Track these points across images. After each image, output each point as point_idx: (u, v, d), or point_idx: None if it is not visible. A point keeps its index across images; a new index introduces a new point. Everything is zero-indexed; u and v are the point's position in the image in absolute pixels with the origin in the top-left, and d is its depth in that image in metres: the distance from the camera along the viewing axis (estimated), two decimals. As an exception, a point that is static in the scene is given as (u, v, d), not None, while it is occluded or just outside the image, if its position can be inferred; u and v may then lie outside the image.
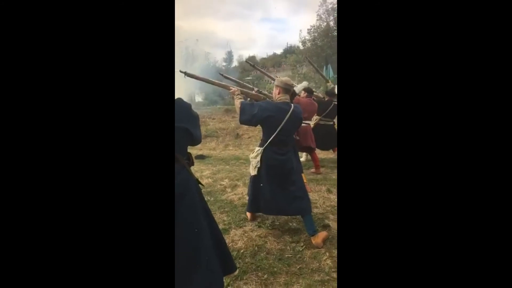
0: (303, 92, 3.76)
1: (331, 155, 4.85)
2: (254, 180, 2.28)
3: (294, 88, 2.33)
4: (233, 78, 3.00)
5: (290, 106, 2.14)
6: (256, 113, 2.09)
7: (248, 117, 2.11)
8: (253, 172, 2.25)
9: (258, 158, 2.22)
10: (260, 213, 2.59)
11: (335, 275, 1.77)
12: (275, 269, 1.84)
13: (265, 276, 1.78)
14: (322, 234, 2.16)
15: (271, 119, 2.10)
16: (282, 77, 2.36)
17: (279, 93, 2.21)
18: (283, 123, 2.09)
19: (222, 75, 3.05)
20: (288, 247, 2.11)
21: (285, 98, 2.18)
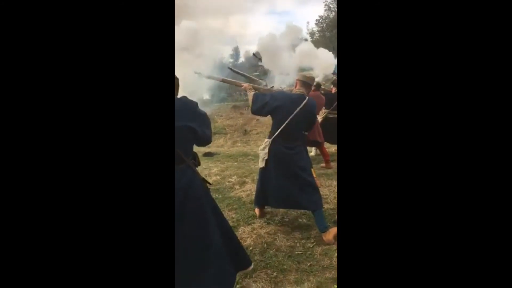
0: None
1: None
2: (262, 172, 2.25)
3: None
4: (242, 73, 2.99)
5: (304, 98, 2.11)
6: (268, 101, 2.10)
7: (260, 105, 2.12)
8: (261, 164, 2.22)
9: (266, 150, 2.20)
10: (269, 210, 2.56)
11: (347, 272, 1.72)
12: (285, 267, 1.81)
13: (275, 273, 1.75)
14: (334, 230, 2.10)
15: (281, 109, 2.09)
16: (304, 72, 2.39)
17: (296, 86, 2.22)
18: (293, 114, 2.06)
19: (230, 69, 3.03)
20: (298, 244, 2.07)
21: (301, 91, 2.17)
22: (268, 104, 2.08)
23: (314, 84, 3.72)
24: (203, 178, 1.45)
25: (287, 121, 2.06)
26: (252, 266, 1.60)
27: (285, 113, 2.07)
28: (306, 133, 2.38)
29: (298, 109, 2.06)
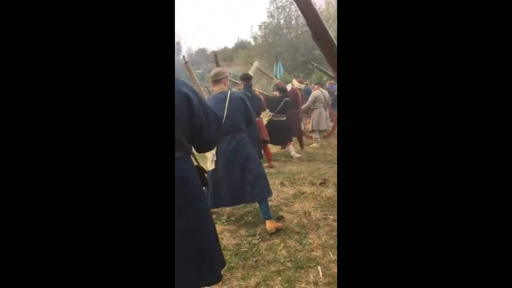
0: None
1: (282, 149, 5.03)
2: (213, 174, 2.24)
3: (249, 71, 2.41)
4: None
5: (227, 93, 2.18)
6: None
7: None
8: (210, 166, 2.21)
9: (214, 151, 2.19)
10: (215, 210, 2.55)
11: (289, 264, 1.84)
12: (232, 265, 1.83)
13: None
14: (277, 223, 2.25)
15: (215, 109, 2.11)
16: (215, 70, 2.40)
17: (214, 88, 2.25)
18: (225, 110, 2.12)
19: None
20: (244, 241, 2.12)
21: (220, 88, 2.21)
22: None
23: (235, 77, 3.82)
24: (201, 166, 1.30)
25: (224, 119, 2.12)
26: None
27: (219, 111, 2.11)
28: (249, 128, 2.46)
29: (226, 104, 2.12)
